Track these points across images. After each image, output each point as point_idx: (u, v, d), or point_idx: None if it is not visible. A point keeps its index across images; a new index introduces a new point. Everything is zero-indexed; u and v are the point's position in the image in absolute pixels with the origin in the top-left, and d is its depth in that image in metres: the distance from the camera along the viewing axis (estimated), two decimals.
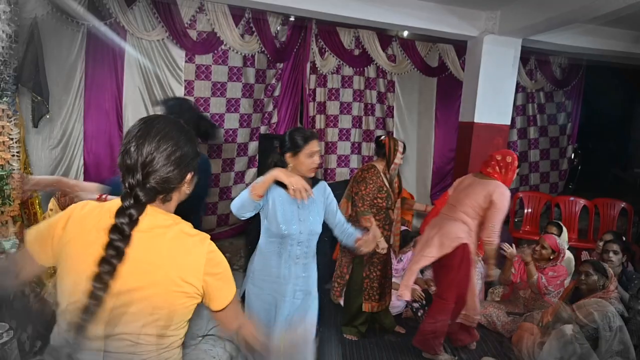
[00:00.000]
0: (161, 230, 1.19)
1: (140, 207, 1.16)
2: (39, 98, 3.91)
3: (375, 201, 3.37)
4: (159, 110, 2.45)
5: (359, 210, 3.33)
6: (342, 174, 5.63)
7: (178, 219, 1.24)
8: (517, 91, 5.67)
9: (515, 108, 6.04)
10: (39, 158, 4.13)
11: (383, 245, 3.39)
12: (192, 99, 4.70)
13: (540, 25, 4.31)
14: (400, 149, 3.45)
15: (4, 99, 3.11)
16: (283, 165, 2.27)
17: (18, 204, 3.39)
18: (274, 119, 5.27)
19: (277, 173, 2.05)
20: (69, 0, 3.98)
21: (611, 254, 3.71)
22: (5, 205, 3.19)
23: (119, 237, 1.12)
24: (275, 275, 2.24)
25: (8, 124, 3.16)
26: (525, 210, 5.79)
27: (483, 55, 4.74)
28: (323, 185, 2.40)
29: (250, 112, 5.08)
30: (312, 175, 2.29)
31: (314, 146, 2.24)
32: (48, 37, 4.00)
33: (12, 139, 3.22)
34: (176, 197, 1.26)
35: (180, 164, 1.20)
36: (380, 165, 3.45)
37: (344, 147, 5.64)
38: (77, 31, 4.18)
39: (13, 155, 3.24)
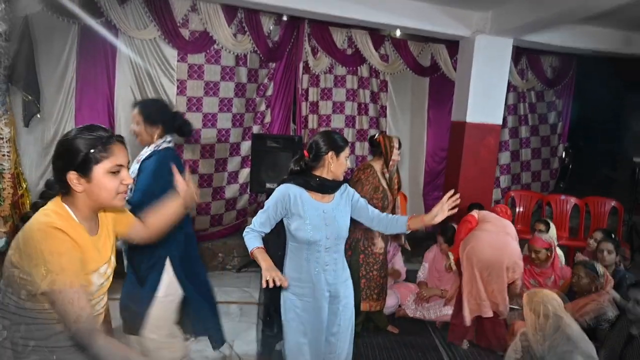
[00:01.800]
0: None
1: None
2: (30, 97, 3.91)
3: (371, 202, 3.30)
4: (136, 112, 2.49)
5: None
6: None
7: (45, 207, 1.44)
8: (508, 90, 5.70)
9: (507, 107, 6.08)
10: (30, 158, 4.11)
11: (380, 245, 3.38)
12: (184, 98, 4.69)
13: (531, 26, 4.36)
14: (396, 144, 3.44)
15: None
16: (314, 167, 2.25)
17: (9, 204, 3.37)
18: (267, 119, 5.27)
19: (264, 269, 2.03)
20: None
21: (605, 253, 3.69)
22: None
23: None
24: (305, 280, 2.24)
25: None
26: (517, 209, 5.83)
27: (475, 54, 4.78)
28: (345, 186, 2.38)
29: (243, 111, 5.08)
30: (342, 178, 2.31)
31: (349, 150, 2.31)
32: (40, 35, 3.99)
33: (2, 139, 3.21)
34: (75, 193, 1.42)
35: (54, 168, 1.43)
36: (377, 165, 3.42)
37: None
38: (69, 30, 4.16)
39: (4, 155, 3.23)
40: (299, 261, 2.24)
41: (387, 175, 3.47)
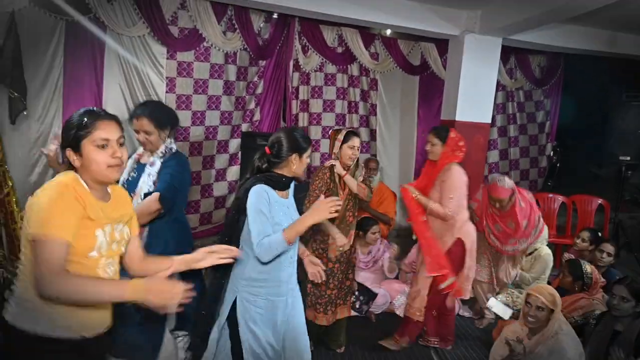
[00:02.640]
0: None
1: None
2: (16, 94, 3.87)
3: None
4: (145, 122, 2.48)
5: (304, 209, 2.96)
6: None
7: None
8: (497, 90, 5.75)
9: (496, 106, 6.12)
10: (16, 156, 4.05)
11: (341, 240, 2.97)
12: (174, 96, 4.66)
13: (520, 25, 4.39)
14: (342, 138, 3.05)
15: None
16: (276, 165, 2.20)
17: None
18: (256, 117, 5.26)
19: (315, 217, 2.04)
20: None
21: (605, 255, 3.70)
22: None
23: None
24: (275, 279, 2.20)
25: None
26: None
27: (464, 54, 4.81)
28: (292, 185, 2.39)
29: (232, 109, 5.06)
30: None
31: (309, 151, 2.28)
32: (26, 31, 3.94)
33: None
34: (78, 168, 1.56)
35: None
36: (339, 163, 3.11)
37: (327, 145, 5.65)
38: (56, 26, 4.11)
39: None
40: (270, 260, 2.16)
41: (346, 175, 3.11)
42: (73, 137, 1.51)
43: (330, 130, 3.25)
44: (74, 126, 1.51)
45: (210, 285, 2.28)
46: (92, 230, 1.52)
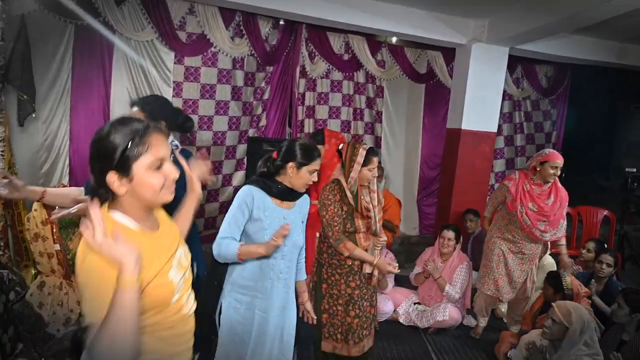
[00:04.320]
0: None
1: None
2: (25, 97, 3.90)
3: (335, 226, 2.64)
4: (136, 110, 2.28)
5: (332, 242, 2.64)
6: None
7: None
8: (503, 99, 5.75)
9: (502, 115, 6.11)
10: (23, 157, 4.07)
11: (371, 259, 2.67)
12: (180, 100, 4.69)
13: (527, 35, 4.40)
14: (361, 159, 2.62)
15: None
16: (277, 171, 2.17)
17: (1, 204, 3.35)
18: (263, 122, 5.27)
19: (268, 251, 1.99)
20: None
21: (604, 266, 3.70)
22: None
23: None
24: (257, 289, 2.13)
25: None
26: None
27: (471, 62, 4.81)
28: (307, 200, 2.33)
29: (239, 114, 5.08)
30: (304, 190, 2.22)
31: (317, 165, 2.17)
32: (35, 35, 3.97)
33: None
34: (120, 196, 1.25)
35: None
36: (344, 179, 2.69)
37: None
38: (65, 29, 4.14)
39: None
40: (252, 268, 2.13)
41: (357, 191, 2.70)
42: (120, 160, 1.19)
43: (342, 145, 2.76)
44: (118, 145, 1.19)
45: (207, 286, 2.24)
46: (165, 277, 1.29)
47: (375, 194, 2.75)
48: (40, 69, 4.06)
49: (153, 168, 1.23)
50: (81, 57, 4.29)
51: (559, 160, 3.42)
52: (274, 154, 2.18)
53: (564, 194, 3.58)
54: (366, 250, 2.71)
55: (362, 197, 2.69)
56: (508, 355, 3.25)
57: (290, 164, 2.12)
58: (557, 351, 2.65)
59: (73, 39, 4.22)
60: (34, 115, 4.01)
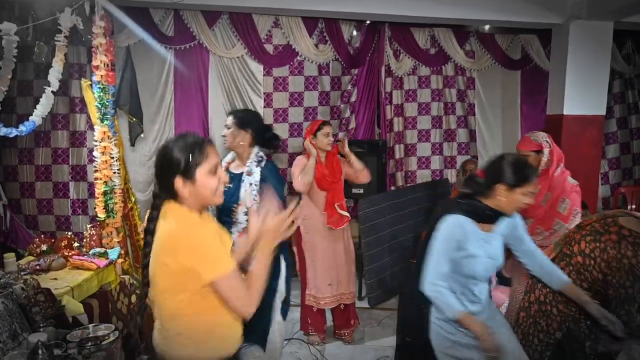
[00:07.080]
0: None
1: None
2: (134, 119, 4.38)
3: None
4: (230, 118, 2.70)
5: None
6: (424, 176, 5.52)
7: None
8: (613, 78, 5.23)
9: (612, 96, 5.56)
10: (136, 174, 4.53)
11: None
12: (271, 110, 4.88)
13: (634, 6, 3.95)
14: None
15: (105, 122, 3.45)
16: (483, 193, 1.93)
17: (120, 217, 3.72)
18: (352, 125, 5.30)
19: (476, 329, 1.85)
20: (157, 29, 4.35)
21: None
22: (110, 217, 3.52)
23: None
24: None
25: (109, 144, 3.50)
26: (629, 207, 5.30)
27: (570, 42, 4.44)
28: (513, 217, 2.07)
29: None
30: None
31: (533, 187, 1.91)
32: (140, 63, 4.42)
33: (113, 158, 3.54)
34: (182, 197, 1.53)
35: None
36: None
37: (424, 149, 5.53)
38: (166, 55, 4.53)
39: (114, 172, 3.57)
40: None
41: None
42: (186, 165, 1.49)
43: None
44: (185, 154, 1.50)
45: None
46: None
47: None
48: (146, 93, 4.50)
49: (211, 173, 1.52)
50: (181, 79, 4.66)
51: (517, 147, 2.90)
52: (478, 173, 1.99)
53: (567, 186, 2.96)
54: None
55: None
56: None
57: (500, 185, 1.89)
58: None
59: (173, 63, 4.59)
60: (142, 136, 4.45)
